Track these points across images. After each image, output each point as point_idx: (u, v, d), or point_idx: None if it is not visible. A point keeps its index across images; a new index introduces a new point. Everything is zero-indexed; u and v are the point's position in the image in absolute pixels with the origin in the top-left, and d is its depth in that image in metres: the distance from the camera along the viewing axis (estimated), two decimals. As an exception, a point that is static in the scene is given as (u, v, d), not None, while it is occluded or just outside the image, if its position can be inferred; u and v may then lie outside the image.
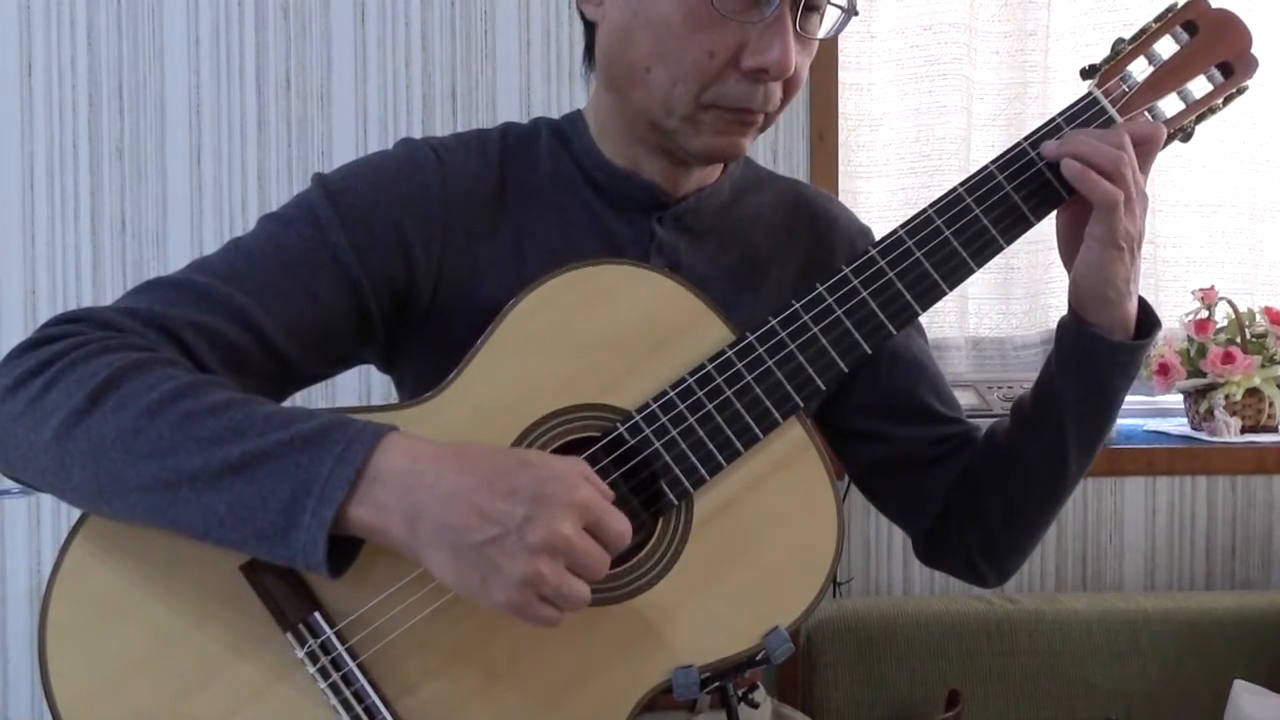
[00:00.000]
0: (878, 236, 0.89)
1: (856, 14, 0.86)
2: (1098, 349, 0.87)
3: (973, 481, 0.98)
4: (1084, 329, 0.88)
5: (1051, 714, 1.56)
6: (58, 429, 0.71)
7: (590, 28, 0.91)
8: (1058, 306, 1.86)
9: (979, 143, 1.83)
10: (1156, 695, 1.57)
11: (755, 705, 0.97)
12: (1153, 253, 1.86)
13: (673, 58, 0.83)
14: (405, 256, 0.87)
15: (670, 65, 0.83)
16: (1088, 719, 1.55)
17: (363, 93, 1.70)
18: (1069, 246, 0.89)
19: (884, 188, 1.85)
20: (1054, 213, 0.88)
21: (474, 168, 0.91)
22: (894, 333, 0.84)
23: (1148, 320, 0.89)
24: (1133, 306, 0.88)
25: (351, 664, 0.75)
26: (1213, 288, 1.81)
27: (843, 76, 1.79)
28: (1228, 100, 0.89)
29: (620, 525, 0.71)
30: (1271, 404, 1.81)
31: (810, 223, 1.01)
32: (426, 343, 0.90)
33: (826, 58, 1.76)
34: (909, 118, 1.84)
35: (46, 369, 0.73)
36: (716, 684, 0.81)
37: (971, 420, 1.04)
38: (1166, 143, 0.88)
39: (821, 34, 0.87)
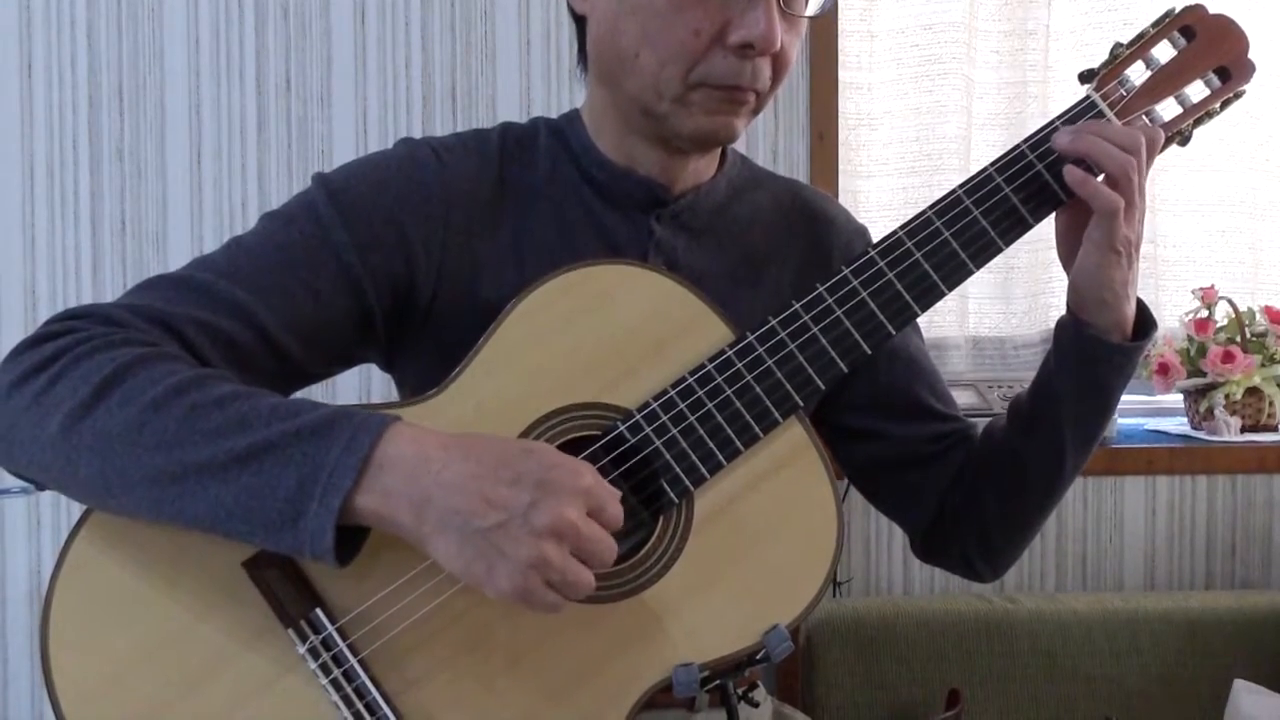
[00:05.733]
0: (877, 237, 0.89)
1: None
2: (1096, 350, 0.88)
3: (970, 480, 0.98)
4: (1082, 330, 0.88)
5: (1051, 714, 1.56)
6: (64, 423, 0.71)
7: (580, 24, 0.92)
8: (1058, 306, 1.85)
9: (979, 142, 1.84)
10: (1156, 695, 1.57)
11: (755, 704, 0.97)
12: (1153, 252, 1.86)
13: (659, 39, 0.84)
14: (406, 255, 0.87)
15: (658, 47, 0.84)
16: (1088, 719, 1.56)
17: (363, 93, 1.70)
18: (1067, 248, 0.90)
19: (884, 187, 1.85)
20: (1053, 214, 0.88)
21: (473, 167, 0.92)
22: (893, 333, 0.84)
23: (1145, 321, 0.90)
24: (1131, 309, 0.88)
25: (353, 660, 0.75)
26: (1213, 287, 1.81)
27: (843, 76, 1.79)
28: (1225, 105, 0.90)
29: (618, 510, 0.72)
30: (1271, 403, 1.81)
31: (808, 223, 1.02)
32: (427, 341, 0.90)
33: (826, 58, 1.76)
34: (909, 117, 1.84)
35: (51, 364, 0.73)
36: (716, 682, 0.82)
37: (969, 419, 1.04)
38: (1164, 146, 0.88)
39: (810, 12, 0.87)
